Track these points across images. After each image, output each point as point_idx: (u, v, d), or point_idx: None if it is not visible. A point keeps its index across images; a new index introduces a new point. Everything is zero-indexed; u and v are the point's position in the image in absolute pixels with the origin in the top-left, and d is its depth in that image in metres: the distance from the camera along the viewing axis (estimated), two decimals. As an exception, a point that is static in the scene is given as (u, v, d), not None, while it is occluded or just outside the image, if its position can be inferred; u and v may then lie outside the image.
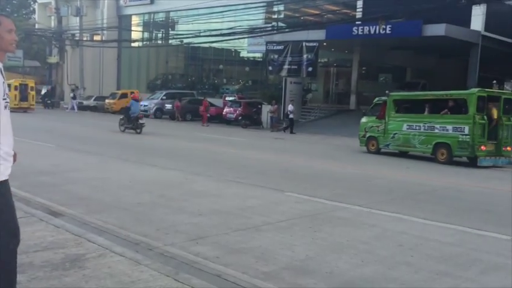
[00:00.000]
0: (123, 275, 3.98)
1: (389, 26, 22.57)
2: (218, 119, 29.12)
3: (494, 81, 21.75)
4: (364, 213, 7.06)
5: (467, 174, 12.38)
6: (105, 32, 40.90)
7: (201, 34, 30.10)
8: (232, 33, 28.46)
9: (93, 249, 4.59)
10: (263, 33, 29.45)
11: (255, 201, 7.47)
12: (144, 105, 33.44)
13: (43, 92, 39.84)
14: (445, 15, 20.95)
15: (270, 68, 28.55)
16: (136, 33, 42.58)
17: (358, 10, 26.87)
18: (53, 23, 42.65)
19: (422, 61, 31.88)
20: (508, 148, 14.40)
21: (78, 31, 39.86)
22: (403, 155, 16.19)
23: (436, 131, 14.56)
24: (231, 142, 18.38)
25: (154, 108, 32.67)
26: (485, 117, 13.97)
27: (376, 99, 17.64)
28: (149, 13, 41.63)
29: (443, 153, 14.36)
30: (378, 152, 16.45)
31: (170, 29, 41.55)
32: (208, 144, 16.86)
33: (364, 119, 17.41)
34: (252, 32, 29.53)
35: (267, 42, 28.45)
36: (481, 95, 14.00)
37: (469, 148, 13.80)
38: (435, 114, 15.00)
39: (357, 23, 24.99)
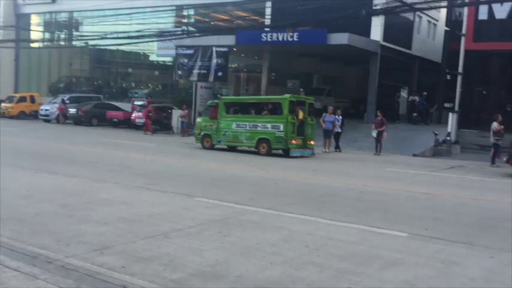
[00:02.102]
0: (17, 292, 3.71)
1: (297, 33, 23.29)
2: (126, 123, 28.32)
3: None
4: (272, 216, 7.19)
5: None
6: (1, 31, 38.13)
7: (108, 36, 29.03)
8: (140, 36, 27.74)
9: (-16, 266, 4.23)
10: (173, 37, 29.06)
11: (164, 208, 7.32)
12: (46, 110, 31.69)
13: None
14: (348, 25, 22.00)
15: (180, 72, 28.20)
16: (36, 33, 40.14)
17: (267, 17, 27.47)
18: None
19: (328, 68, 33.30)
20: (312, 142, 17.54)
21: (-30, 29, 36.83)
22: (233, 149, 18.04)
23: (259, 128, 16.97)
24: (140, 147, 17.91)
25: (57, 112, 31.00)
26: (295, 117, 16.77)
27: (209, 102, 20.19)
28: (50, 12, 39.42)
29: (264, 147, 16.78)
30: (212, 147, 18.16)
31: (74, 30, 39.61)
32: (116, 150, 16.29)
33: (199, 119, 19.42)
34: (161, 35, 28.99)
35: (177, 46, 28.10)
36: (292, 100, 16.78)
37: (284, 142, 16.46)
38: (258, 115, 17.63)
39: (265, 29, 25.53)
